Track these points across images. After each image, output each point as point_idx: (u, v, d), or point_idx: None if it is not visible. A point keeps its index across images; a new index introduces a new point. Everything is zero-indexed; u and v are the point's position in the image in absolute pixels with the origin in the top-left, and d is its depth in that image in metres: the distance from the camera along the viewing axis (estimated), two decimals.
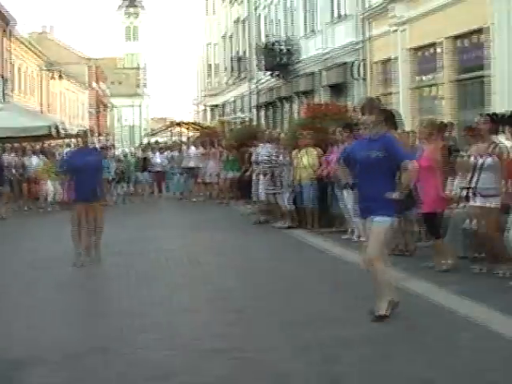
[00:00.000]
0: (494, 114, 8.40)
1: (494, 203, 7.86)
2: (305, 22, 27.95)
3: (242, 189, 19.09)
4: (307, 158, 12.63)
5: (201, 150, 21.90)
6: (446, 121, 14.87)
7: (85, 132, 11.27)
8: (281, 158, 13.28)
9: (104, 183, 11.04)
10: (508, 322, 6.16)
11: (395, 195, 6.20)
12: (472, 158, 8.15)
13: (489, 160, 7.89)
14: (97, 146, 20.03)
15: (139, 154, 23.93)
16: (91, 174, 9.79)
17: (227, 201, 19.84)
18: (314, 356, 5.41)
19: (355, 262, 9.35)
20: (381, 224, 6.26)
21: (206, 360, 5.37)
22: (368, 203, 6.35)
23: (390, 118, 9.40)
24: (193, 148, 22.52)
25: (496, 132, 8.10)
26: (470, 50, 16.16)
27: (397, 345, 5.63)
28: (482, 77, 15.16)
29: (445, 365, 5.13)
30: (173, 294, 7.87)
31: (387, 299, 6.31)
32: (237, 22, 39.75)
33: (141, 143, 25.49)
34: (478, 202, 8.05)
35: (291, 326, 6.31)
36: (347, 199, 11.02)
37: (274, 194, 13.60)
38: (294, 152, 12.90)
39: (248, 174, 18.34)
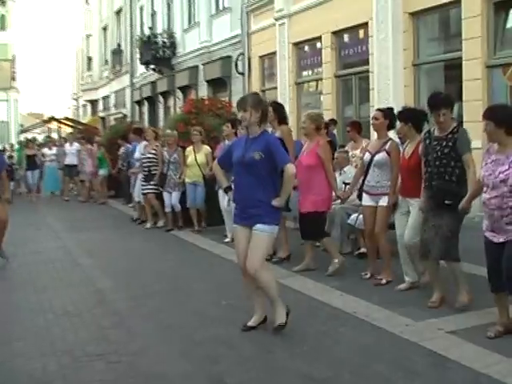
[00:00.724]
0: (389, 108, 8.24)
1: (381, 202, 7.72)
2: (188, 13, 27.93)
3: (118, 187, 18.95)
4: (195, 155, 12.27)
5: (77, 146, 21.42)
6: (328, 116, 15.33)
7: None
8: (165, 155, 12.84)
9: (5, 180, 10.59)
10: (390, 316, 6.38)
11: (275, 202, 5.84)
12: (366, 155, 7.98)
13: (378, 157, 7.78)
14: None
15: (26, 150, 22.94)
16: None
17: (105, 199, 19.61)
18: (195, 357, 5.43)
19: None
20: (262, 233, 5.85)
21: (84, 365, 5.29)
22: (247, 210, 5.93)
23: (279, 113, 9.04)
24: (68, 145, 22.00)
25: (391, 128, 7.98)
26: (353, 45, 16.60)
27: (278, 342, 5.72)
28: (366, 72, 15.58)
29: (327, 359, 5.28)
30: (50, 298, 7.66)
31: (282, 306, 6.03)
32: (118, 12, 39.17)
33: (28, 140, 24.51)
34: (367, 201, 7.93)
35: (171, 327, 6.30)
36: (221, 200, 11.07)
37: (152, 192, 13.31)
38: (187, 149, 12.46)
39: (116, 171, 18.23)
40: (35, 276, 9.03)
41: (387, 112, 8.02)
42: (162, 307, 7.10)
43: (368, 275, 8.00)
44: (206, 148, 12.32)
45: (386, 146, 7.75)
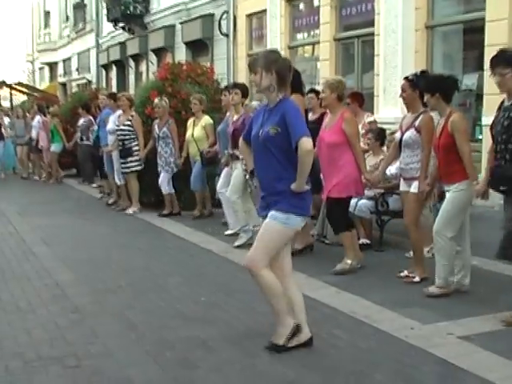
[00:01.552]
0: (422, 72, 7.90)
1: (412, 188, 7.61)
2: None
3: (79, 164, 18.98)
4: (194, 128, 12.13)
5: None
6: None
7: None
8: (156, 129, 12.65)
9: None
10: (393, 318, 6.42)
11: (293, 186, 5.37)
12: (398, 133, 7.89)
13: (406, 135, 7.64)
14: None
15: None
16: None
17: (60, 178, 19.67)
18: (166, 361, 5.44)
19: (219, 251, 9.53)
20: (273, 221, 5.45)
21: (37, 370, 5.28)
22: (266, 198, 5.58)
23: (294, 79, 8.86)
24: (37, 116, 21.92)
25: (423, 98, 7.37)
26: (356, 3, 16.54)
27: (263, 345, 5.70)
28: (371, 35, 15.52)
29: (319, 365, 5.29)
30: (0, 292, 7.67)
31: (286, 325, 5.61)
32: None
33: None
34: (403, 186, 7.87)
35: (140, 327, 6.30)
36: (221, 182, 10.79)
37: (131, 171, 13.17)
38: (189, 121, 12.33)
39: (71, 145, 18.31)
40: None
41: (416, 81, 7.67)
42: (130, 304, 7.09)
43: (404, 272, 7.88)
44: (205, 119, 12.11)
45: (416, 122, 7.59)
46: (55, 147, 19.37)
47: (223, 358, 5.47)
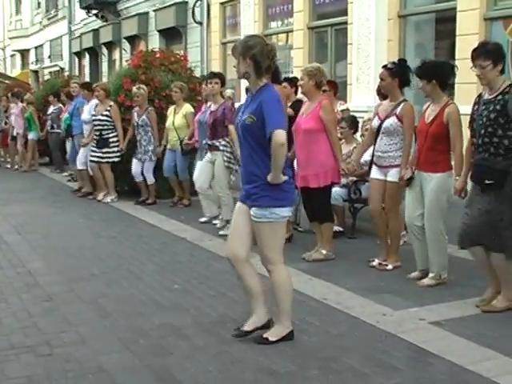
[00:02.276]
0: (400, 60, 7.85)
1: (389, 176, 7.58)
2: None
3: (51, 153, 18.93)
4: (174, 116, 12.10)
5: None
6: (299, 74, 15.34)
7: None
8: (134, 117, 12.55)
9: None
10: (365, 304, 6.48)
11: (268, 178, 5.27)
12: (375, 120, 7.80)
13: (386, 122, 7.55)
14: None
15: None
16: None
17: (35, 166, 19.65)
18: (139, 348, 5.46)
19: (193, 239, 9.55)
20: (260, 220, 5.38)
21: (9, 359, 5.27)
22: (244, 185, 5.53)
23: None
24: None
25: (405, 85, 7.63)
26: None
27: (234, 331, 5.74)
28: (345, 23, 15.54)
29: (291, 351, 5.33)
30: None
31: (286, 326, 5.60)
32: None
33: None
34: (375, 173, 7.80)
35: (113, 315, 6.32)
36: (198, 171, 10.60)
37: (106, 162, 13.06)
38: (169, 109, 12.33)
39: (43, 134, 18.33)
40: None
41: (395, 69, 7.61)
42: (103, 292, 7.09)
43: (376, 262, 7.90)
44: (186, 107, 12.09)
45: (397, 110, 7.53)
46: (33, 135, 19.23)
47: (197, 345, 5.50)
